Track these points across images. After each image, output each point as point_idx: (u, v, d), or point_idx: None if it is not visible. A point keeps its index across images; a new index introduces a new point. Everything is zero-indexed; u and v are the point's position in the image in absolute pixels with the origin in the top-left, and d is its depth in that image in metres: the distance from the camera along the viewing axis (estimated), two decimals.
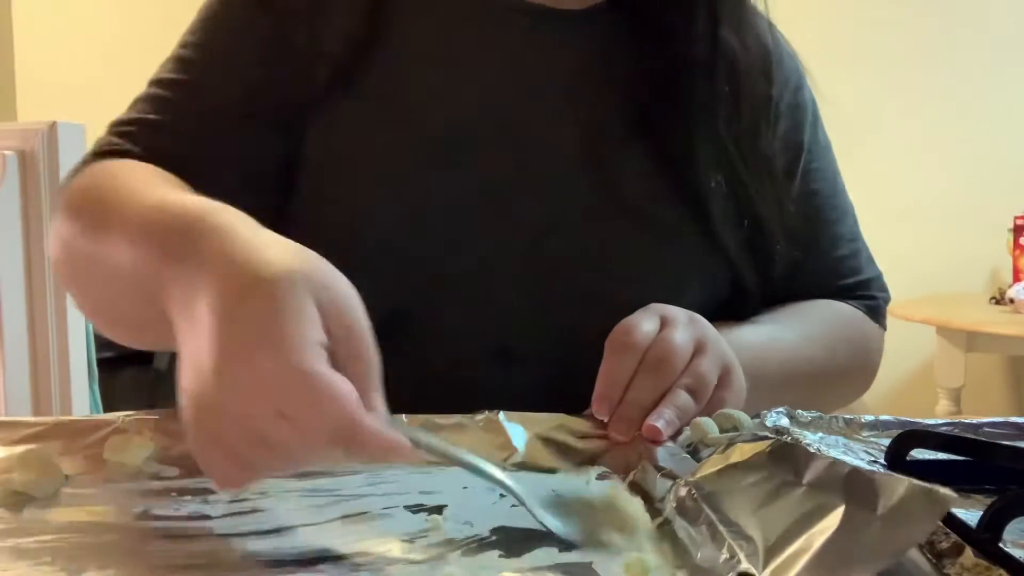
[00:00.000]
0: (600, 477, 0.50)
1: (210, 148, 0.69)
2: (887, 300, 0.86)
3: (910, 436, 0.51)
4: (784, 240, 0.75)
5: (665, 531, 0.42)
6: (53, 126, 1.40)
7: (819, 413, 0.59)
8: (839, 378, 0.80)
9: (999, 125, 2.83)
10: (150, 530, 0.42)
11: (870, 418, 0.59)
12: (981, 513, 0.38)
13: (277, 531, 0.42)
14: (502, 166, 0.69)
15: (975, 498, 0.46)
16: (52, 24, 3.04)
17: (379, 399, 0.42)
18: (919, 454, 0.51)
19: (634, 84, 0.72)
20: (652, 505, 0.46)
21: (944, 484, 0.47)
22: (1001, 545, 0.36)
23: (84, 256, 0.60)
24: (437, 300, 0.68)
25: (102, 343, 1.93)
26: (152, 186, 0.58)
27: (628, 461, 0.52)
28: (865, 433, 0.58)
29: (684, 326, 0.59)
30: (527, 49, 0.72)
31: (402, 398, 0.59)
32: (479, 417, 0.56)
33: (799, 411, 0.59)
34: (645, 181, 0.71)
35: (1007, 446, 0.49)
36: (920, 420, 0.59)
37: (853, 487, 0.34)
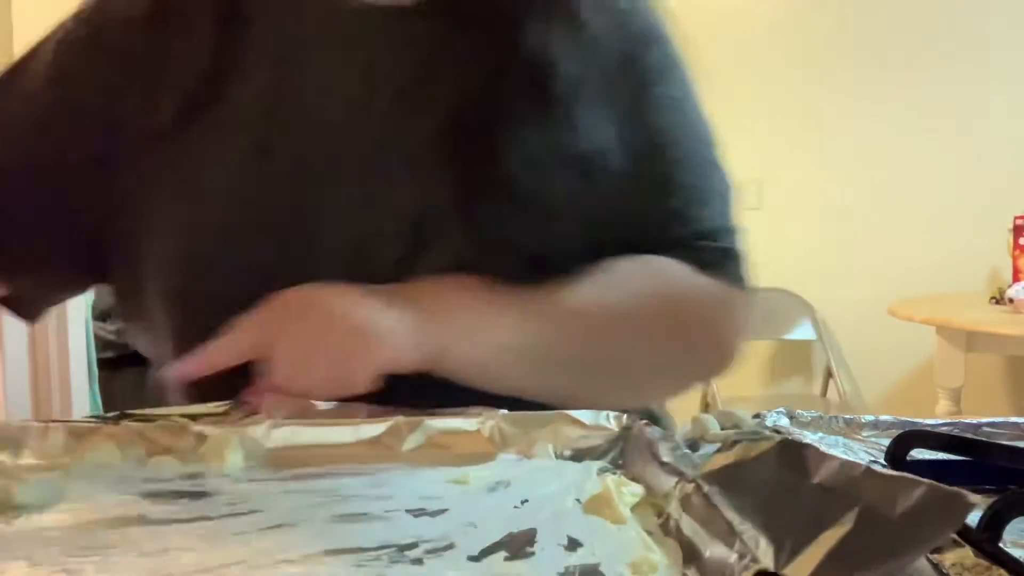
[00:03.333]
0: (601, 472, 0.50)
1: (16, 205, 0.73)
2: (730, 252, 0.74)
3: (910, 436, 0.51)
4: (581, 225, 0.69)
5: (670, 528, 0.42)
6: None
7: (819, 413, 0.59)
8: (630, 353, 0.70)
9: (999, 125, 2.83)
10: (149, 533, 0.42)
11: (870, 418, 0.59)
12: (981, 513, 0.38)
13: (279, 527, 0.42)
14: (330, 179, 0.68)
15: (975, 498, 0.46)
16: (52, 24, 3.04)
17: None
18: (919, 454, 0.51)
19: (456, 93, 0.69)
20: (655, 501, 0.45)
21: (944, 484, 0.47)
22: (1001, 545, 0.36)
23: None
24: None
25: (102, 343, 1.94)
26: None
27: (629, 456, 0.52)
28: (865, 433, 0.58)
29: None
30: (363, 54, 0.70)
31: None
32: (475, 417, 0.56)
33: (799, 411, 0.59)
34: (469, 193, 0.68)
35: (1007, 446, 0.49)
36: (920, 420, 0.59)
37: (867, 487, 0.34)
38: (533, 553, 0.40)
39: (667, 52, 0.77)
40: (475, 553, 0.39)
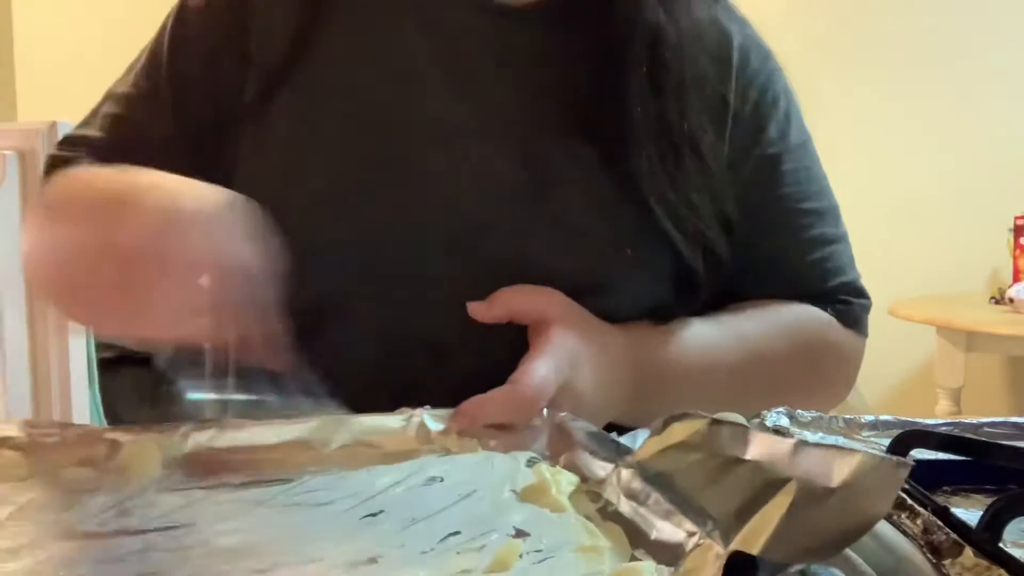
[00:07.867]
0: (530, 462, 0.50)
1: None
2: (864, 306, 0.81)
3: (910, 436, 0.51)
4: (721, 231, 0.72)
5: (610, 513, 0.42)
6: (53, 126, 1.40)
7: (819, 413, 0.59)
8: (778, 384, 0.76)
9: (999, 125, 2.83)
10: (78, 548, 0.40)
11: (870, 418, 0.59)
12: (981, 513, 0.38)
13: (219, 542, 0.40)
14: (437, 163, 0.69)
15: (975, 498, 0.46)
16: (52, 24, 3.04)
17: None
18: (919, 454, 0.51)
19: (570, 81, 0.71)
20: (591, 488, 0.45)
21: (944, 484, 0.47)
22: (1001, 545, 0.36)
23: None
24: (366, 294, 0.69)
25: (102, 343, 1.93)
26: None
27: (556, 446, 0.52)
28: (865, 433, 0.58)
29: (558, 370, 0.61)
30: (467, 45, 0.72)
31: (332, 390, 0.59)
32: (400, 414, 0.56)
33: (799, 411, 0.59)
34: (583, 187, 0.70)
35: (1007, 446, 0.49)
36: (920, 420, 0.59)
37: (802, 461, 0.34)
38: (484, 545, 0.40)
39: (790, 91, 0.82)
40: (426, 549, 0.39)
